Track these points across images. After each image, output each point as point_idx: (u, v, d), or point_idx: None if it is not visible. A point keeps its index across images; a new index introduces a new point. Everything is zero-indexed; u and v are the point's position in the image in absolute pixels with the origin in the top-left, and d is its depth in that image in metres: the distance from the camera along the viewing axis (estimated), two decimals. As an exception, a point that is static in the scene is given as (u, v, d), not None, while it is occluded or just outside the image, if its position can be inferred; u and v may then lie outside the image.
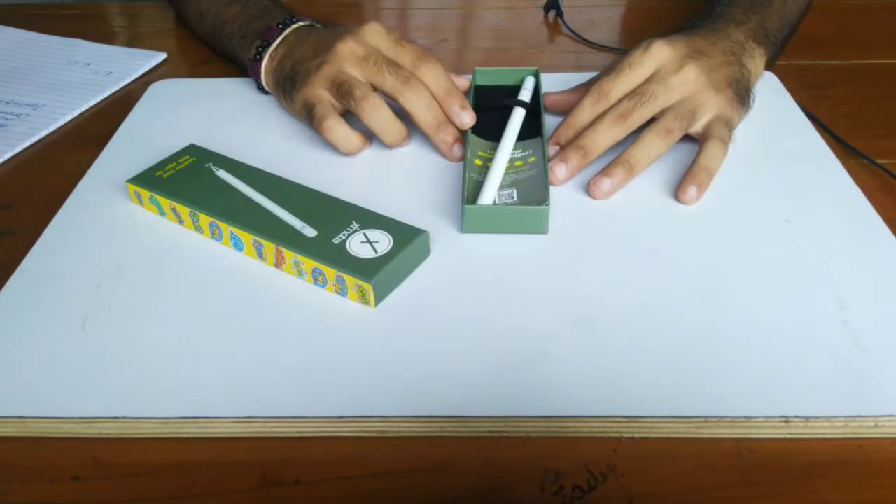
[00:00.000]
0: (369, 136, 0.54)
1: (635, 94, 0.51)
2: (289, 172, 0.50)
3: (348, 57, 0.53)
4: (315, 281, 0.43)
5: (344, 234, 0.43)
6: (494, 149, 0.52)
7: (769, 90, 0.61)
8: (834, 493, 0.33)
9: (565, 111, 0.55)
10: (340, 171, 0.53)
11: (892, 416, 0.35)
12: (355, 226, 0.44)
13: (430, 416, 0.36)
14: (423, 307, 0.41)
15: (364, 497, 0.33)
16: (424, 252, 0.45)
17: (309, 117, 0.53)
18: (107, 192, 0.51)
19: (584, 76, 0.59)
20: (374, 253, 0.42)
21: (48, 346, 0.40)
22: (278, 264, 0.44)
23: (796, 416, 0.35)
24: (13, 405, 0.36)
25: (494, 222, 0.46)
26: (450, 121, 0.53)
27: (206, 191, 0.48)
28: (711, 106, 0.52)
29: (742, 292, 0.42)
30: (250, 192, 0.47)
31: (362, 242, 0.43)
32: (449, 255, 0.45)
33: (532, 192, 0.48)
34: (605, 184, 0.49)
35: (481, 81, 0.61)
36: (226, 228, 0.45)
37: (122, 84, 0.67)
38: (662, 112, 0.51)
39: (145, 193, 0.48)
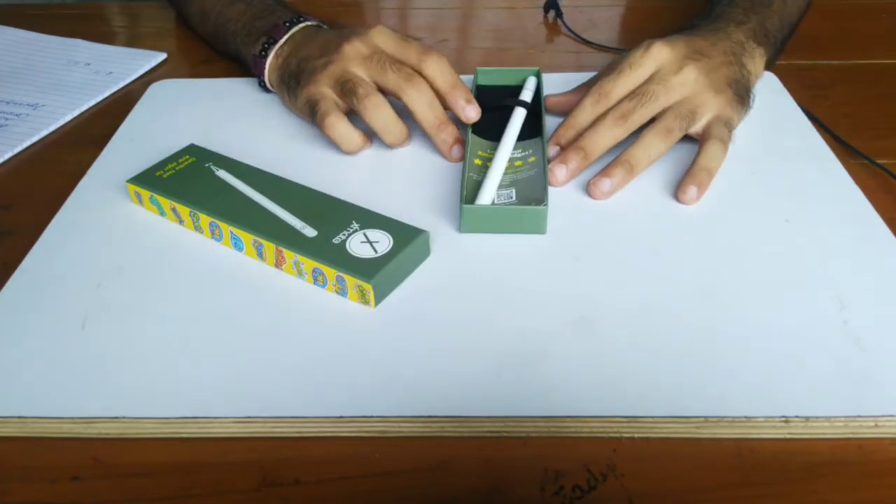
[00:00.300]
0: (370, 136, 0.54)
1: (636, 94, 0.51)
2: (289, 172, 0.50)
3: (354, 57, 0.53)
4: (315, 281, 0.43)
5: (344, 234, 0.43)
6: (494, 149, 0.52)
7: (769, 90, 0.61)
8: (834, 493, 0.33)
9: (566, 112, 0.55)
10: (341, 171, 0.53)
11: (892, 416, 0.35)
12: (355, 226, 0.44)
13: (430, 416, 0.36)
14: (423, 307, 0.41)
15: (364, 497, 0.33)
16: (424, 252, 0.45)
17: (312, 114, 0.54)
18: (107, 192, 0.51)
19: (585, 76, 0.59)
20: (374, 253, 0.42)
21: (48, 346, 0.40)
22: (278, 264, 0.44)
23: (796, 416, 0.35)
24: (13, 405, 0.36)
25: (493, 222, 0.46)
26: (454, 115, 0.53)
27: (206, 191, 0.48)
28: (711, 106, 0.52)
29: (742, 292, 0.42)
30: (250, 192, 0.47)
31: (362, 242, 0.43)
32: (448, 255, 0.45)
33: (531, 192, 0.48)
34: (605, 184, 0.49)
35: (483, 81, 0.61)
36: (226, 228, 0.45)
37: (122, 84, 0.67)
38: (662, 112, 0.51)
39: (145, 193, 0.48)
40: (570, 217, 0.48)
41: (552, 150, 0.53)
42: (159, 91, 0.64)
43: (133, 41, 0.76)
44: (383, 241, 0.43)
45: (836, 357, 0.38)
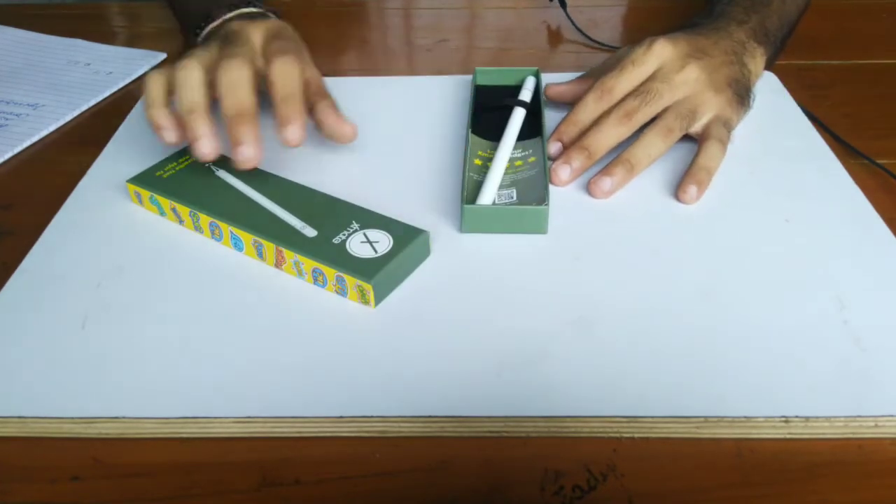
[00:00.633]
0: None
1: (639, 92, 0.51)
2: (289, 173, 0.50)
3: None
4: (315, 281, 0.43)
5: (344, 234, 0.43)
6: (494, 149, 0.52)
7: (769, 90, 0.61)
8: (834, 493, 0.33)
9: (567, 102, 0.54)
10: (341, 171, 0.53)
11: (892, 416, 0.35)
12: (355, 226, 0.44)
13: (430, 416, 0.36)
14: (423, 307, 0.41)
15: (364, 497, 0.33)
16: (424, 252, 0.45)
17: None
18: (107, 192, 0.51)
19: (585, 76, 0.59)
20: (374, 253, 0.42)
21: (48, 346, 0.40)
22: (278, 264, 0.44)
23: (796, 416, 0.35)
24: (13, 405, 0.36)
25: (494, 222, 0.47)
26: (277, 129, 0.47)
27: (206, 191, 0.48)
28: (711, 106, 0.52)
29: (742, 292, 0.42)
30: (250, 192, 0.47)
31: (362, 242, 0.43)
32: (449, 255, 0.45)
33: (532, 192, 0.48)
34: (606, 183, 0.49)
35: (482, 81, 0.61)
36: (226, 228, 0.45)
37: (122, 84, 0.67)
38: (663, 111, 0.51)
39: (145, 193, 0.49)
40: (570, 217, 0.48)
41: (554, 147, 0.53)
42: (159, 91, 0.64)
43: (133, 41, 0.76)
44: (383, 241, 0.43)
45: (836, 357, 0.38)
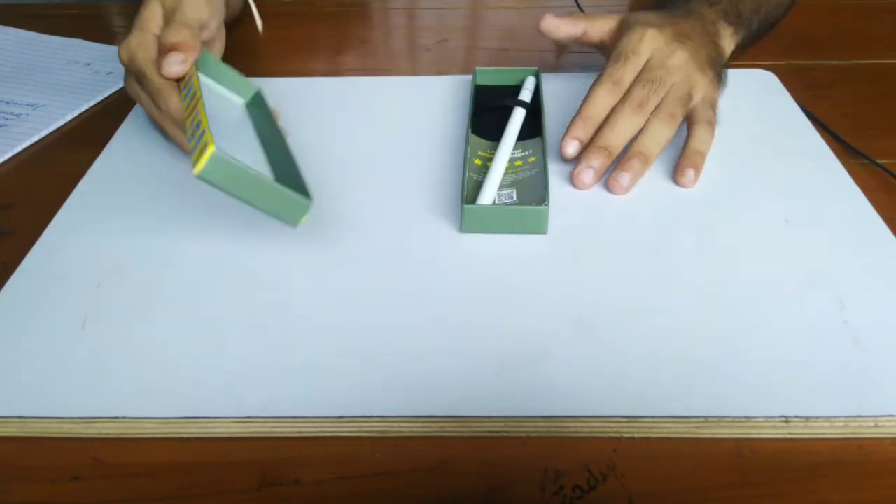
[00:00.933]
0: None
1: (644, 81, 0.51)
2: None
3: None
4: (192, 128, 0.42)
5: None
6: (494, 149, 0.52)
7: (769, 90, 0.61)
8: (834, 493, 0.33)
9: (556, 38, 0.57)
10: (341, 170, 0.53)
11: (892, 416, 0.35)
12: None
13: (430, 416, 0.36)
14: (423, 307, 0.41)
15: (364, 497, 0.33)
16: (295, 211, 0.42)
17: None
18: (107, 191, 0.51)
19: (586, 76, 0.59)
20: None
21: (48, 346, 0.40)
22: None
23: (796, 416, 0.35)
24: (13, 405, 0.36)
25: (494, 222, 0.47)
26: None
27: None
28: (700, 88, 0.53)
29: (742, 292, 0.42)
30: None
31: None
32: (448, 254, 0.45)
33: (532, 191, 0.48)
34: (624, 178, 0.49)
35: (482, 81, 0.61)
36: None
37: (121, 84, 0.66)
38: (662, 98, 0.52)
39: None
40: (570, 217, 0.48)
41: (572, 147, 0.51)
42: (159, 91, 0.64)
43: (133, 41, 0.76)
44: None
45: (836, 357, 0.38)
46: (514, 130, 0.53)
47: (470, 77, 0.62)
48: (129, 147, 0.56)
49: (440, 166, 0.53)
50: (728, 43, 0.59)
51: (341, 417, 0.36)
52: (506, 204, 0.48)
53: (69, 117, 0.62)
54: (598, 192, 0.50)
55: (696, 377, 0.37)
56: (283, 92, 0.62)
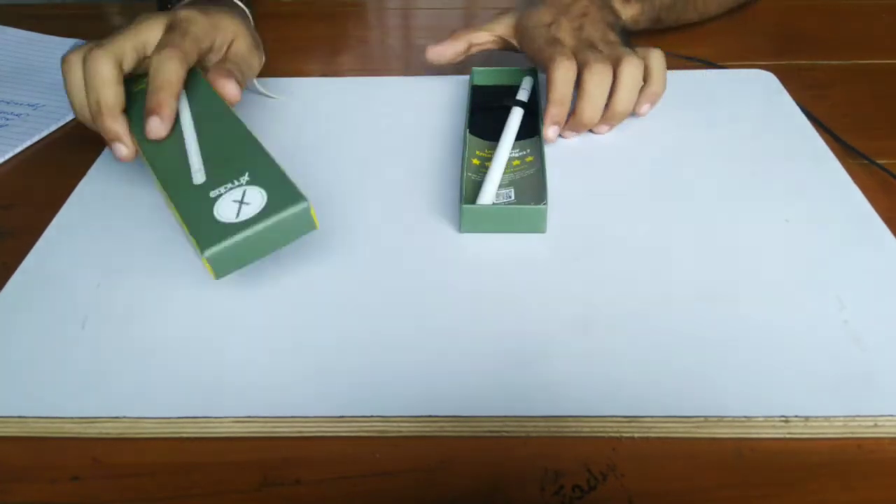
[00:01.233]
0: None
1: (584, 42, 0.55)
2: (295, 167, 0.49)
3: None
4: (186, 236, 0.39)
5: (226, 188, 0.38)
6: (492, 149, 0.52)
7: (769, 90, 0.61)
8: (834, 492, 0.33)
9: (447, 62, 0.60)
10: (340, 170, 0.53)
11: (891, 415, 0.35)
12: (244, 179, 0.39)
13: (430, 416, 0.36)
14: (422, 307, 0.41)
15: (364, 497, 0.33)
16: (304, 224, 0.38)
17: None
18: (107, 192, 0.51)
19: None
20: (234, 217, 0.37)
21: (48, 346, 0.40)
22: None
23: (796, 416, 0.35)
24: (13, 405, 0.36)
25: (493, 222, 0.47)
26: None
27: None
28: (601, 25, 0.57)
29: (742, 292, 0.42)
30: (186, 121, 0.45)
31: (234, 201, 0.37)
32: (448, 254, 0.45)
33: (530, 191, 0.48)
34: (603, 129, 0.56)
35: (479, 81, 0.61)
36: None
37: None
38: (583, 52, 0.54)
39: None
40: (570, 217, 0.48)
41: (553, 131, 0.53)
42: (159, 91, 0.64)
43: (133, 41, 0.76)
44: (255, 203, 0.37)
45: (836, 357, 0.38)
46: (512, 130, 0.53)
47: (467, 77, 0.63)
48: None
49: (438, 166, 0.53)
50: (622, 7, 0.62)
51: (341, 417, 0.36)
52: (504, 204, 0.48)
53: (69, 117, 0.62)
54: (597, 191, 0.50)
55: (695, 377, 0.37)
56: (281, 92, 0.62)
